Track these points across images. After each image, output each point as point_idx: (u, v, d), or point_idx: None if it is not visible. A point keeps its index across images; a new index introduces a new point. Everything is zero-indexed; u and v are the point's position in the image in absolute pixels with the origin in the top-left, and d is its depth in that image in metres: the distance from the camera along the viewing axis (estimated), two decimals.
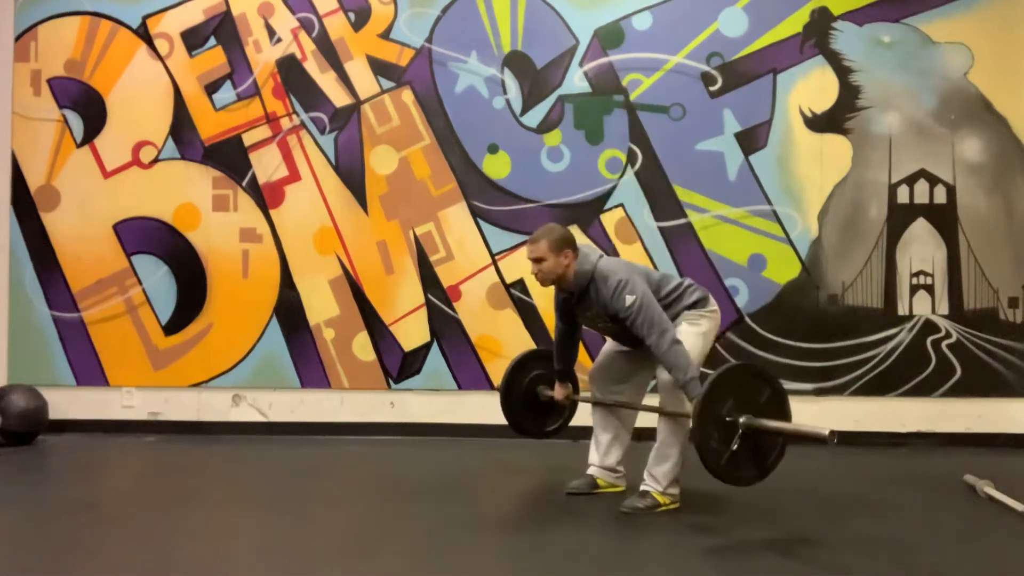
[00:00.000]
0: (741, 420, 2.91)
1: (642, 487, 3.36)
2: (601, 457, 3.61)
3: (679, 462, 3.33)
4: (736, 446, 2.91)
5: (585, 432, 3.70)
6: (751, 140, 4.92)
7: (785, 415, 3.02)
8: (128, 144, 5.03)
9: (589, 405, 3.66)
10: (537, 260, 3.31)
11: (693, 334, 3.32)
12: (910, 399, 4.85)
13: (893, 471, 4.25)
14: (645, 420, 3.55)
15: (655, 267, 4.86)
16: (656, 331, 3.16)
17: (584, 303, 3.37)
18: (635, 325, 3.20)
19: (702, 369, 3.22)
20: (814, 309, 4.89)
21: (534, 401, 3.85)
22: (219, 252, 5.01)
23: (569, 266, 3.31)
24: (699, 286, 3.44)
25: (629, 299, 3.19)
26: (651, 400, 3.44)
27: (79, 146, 5.03)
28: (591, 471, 3.62)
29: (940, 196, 4.90)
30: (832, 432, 2.72)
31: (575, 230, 4.83)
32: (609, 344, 3.61)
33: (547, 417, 3.90)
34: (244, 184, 5.01)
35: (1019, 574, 2.80)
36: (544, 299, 4.92)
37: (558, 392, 3.73)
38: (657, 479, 3.33)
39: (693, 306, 3.38)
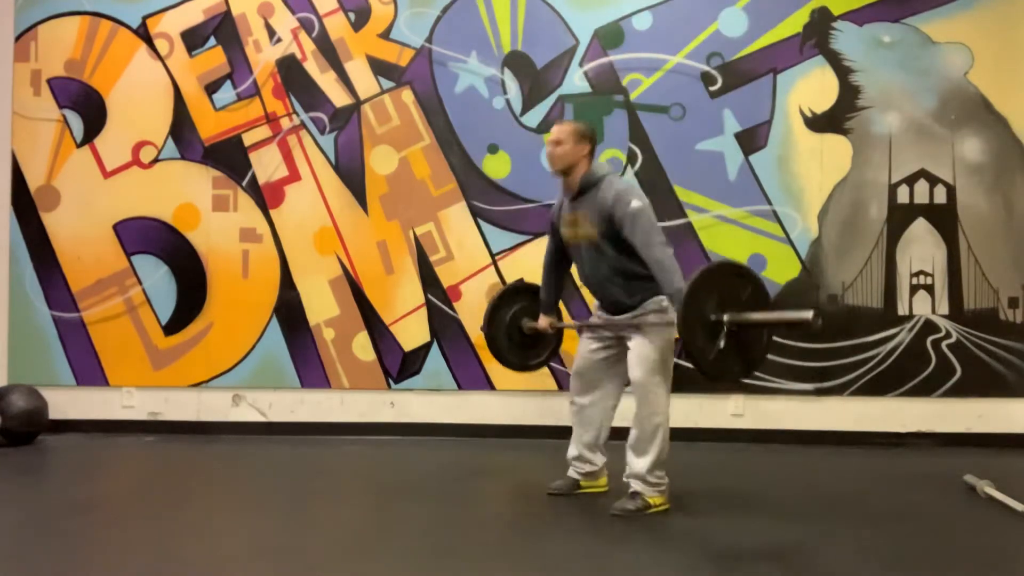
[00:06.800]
0: (725, 317, 2.91)
1: (631, 489, 3.35)
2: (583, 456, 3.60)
3: (660, 456, 3.31)
4: (723, 343, 2.91)
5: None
6: (751, 140, 4.92)
7: (767, 308, 3.05)
8: (128, 144, 5.03)
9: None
10: (557, 142, 3.41)
11: (660, 347, 3.32)
12: (910, 399, 4.85)
13: (893, 471, 4.25)
14: (623, 420, 3.52)
15: None
16: (656, 235, 3.23)
17: (579, 202, 3.41)
18: (634, 228, 3.23)
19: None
20: (814, 309, 4.88)
21: (518, 334, 3.89)
22: (219, 252, 5.01)
23: (583, 160, 3.40)
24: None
25: (636, 203, 3.26)
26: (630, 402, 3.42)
27: (79, 146, 5.03)
28: (572, 472, 3.63)
29: (940, 196, 4.90)
30: (816, 313, 2.79)
31: None
32: (583, 346, 3.58)
33: (530, 351, 3.94)
34: (244, 184, 5.01)
35: (1019, 574, 2.80)
36: None
37: (542, 322, 3.77)
38: (642, 478, 3.31)
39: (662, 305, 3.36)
